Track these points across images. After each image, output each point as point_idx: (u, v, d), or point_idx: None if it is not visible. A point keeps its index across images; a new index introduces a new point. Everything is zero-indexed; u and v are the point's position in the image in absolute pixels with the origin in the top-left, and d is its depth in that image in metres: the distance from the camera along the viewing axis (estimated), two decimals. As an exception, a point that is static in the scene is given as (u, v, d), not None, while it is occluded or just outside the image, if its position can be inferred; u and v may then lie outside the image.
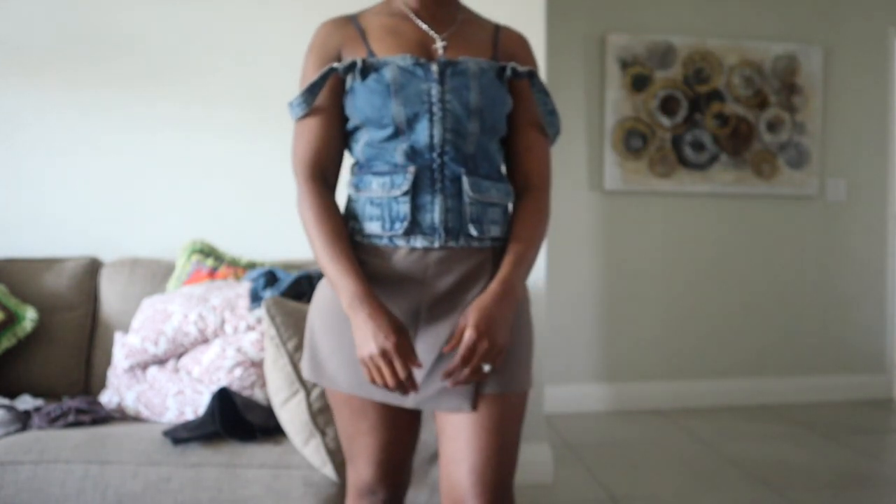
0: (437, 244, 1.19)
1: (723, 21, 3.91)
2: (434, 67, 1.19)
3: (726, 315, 3.93)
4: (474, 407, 1.18)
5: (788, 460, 2.96)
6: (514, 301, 1.18)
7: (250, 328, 1.95)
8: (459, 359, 1.12)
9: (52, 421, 1.83)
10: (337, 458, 1.66)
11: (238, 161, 2.60)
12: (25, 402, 1.96)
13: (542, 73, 2.67)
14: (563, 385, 3.74)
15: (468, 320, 1.14)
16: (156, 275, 2.34)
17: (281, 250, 2.51)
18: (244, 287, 2.04)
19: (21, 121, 2.52)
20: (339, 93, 1.24)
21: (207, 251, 2.31)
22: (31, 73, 2.53)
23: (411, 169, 1.19)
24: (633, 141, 3.80)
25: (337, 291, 1.17)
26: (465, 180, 1.20)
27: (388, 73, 1.18)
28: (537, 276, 2.67)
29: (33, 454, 1.68)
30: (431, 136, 1.19)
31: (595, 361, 3.83)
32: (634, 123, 3.80)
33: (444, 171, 1.20)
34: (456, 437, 1.19)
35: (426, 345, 1.20)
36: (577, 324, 3.80)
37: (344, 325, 1.21)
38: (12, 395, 2.13)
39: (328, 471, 1.66)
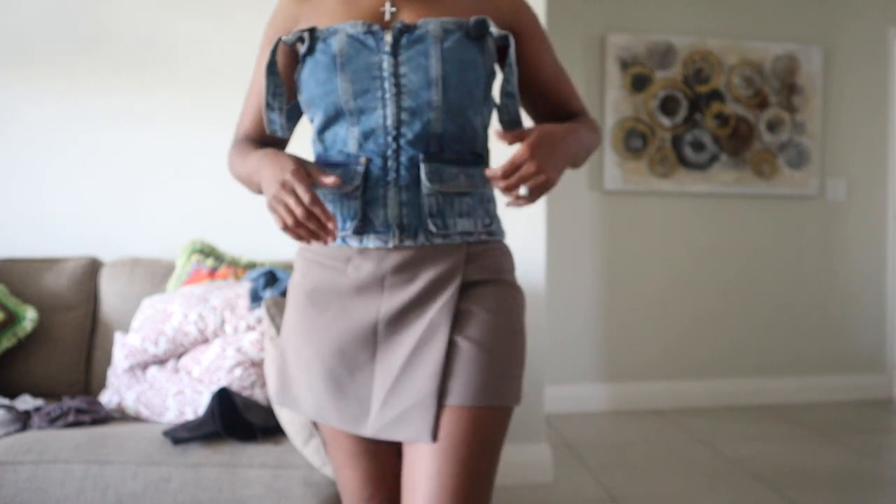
0: (390, 244, 1.04)
1: (723, 21, 3.91)
2: (387, 37, 1.03)
3: (726, 315, 3.93)
4: (434, 437, 1.00)
5: (788, 460, 2.96)
6: (574, 143, 1.07)
7: (250, 328, 1.95)
8: (500, 170, 0.98)
9: (52, 421, 1.83)
10: (337, 458, 1.66)
11: (238, 161, 2.60)
12: (25, 402, 1.96)
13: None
14: (563, 385, 3.74)
15: (527, 137, 1.02)
16: (156, 275, 2.34)
17: (281, 250, 2.51)
18: (244, 287, 2.04)
19: (21, 121, 2.52)
20: (293, 67, 1.13)
21: (207, 251, 2.31)
22: (32, 74, 2.53)
23: (362, 159, 1.05)
24: (633, 141, 3.80)
25: (257, 178, 1.05)
26: (422, 168, 1.04)
27: (335, 43, 1.04)
28: (537, 276, 2.67)
29: (33, 454, 1.68)
30: (384, 118, 1.03)
31: (595, 361, 3.82)
32: (634, 123, 3.80)
33: (400, 158, 1.04)
34: (414, 461, 1.02)
35: (385, 366, 1.05)
36: (577, 324, 3.80)
37: (308, 347, 1.09)
38: (12, 395, 2.13)
39: (328, 471, 1.66)
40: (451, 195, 1.06)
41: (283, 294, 1.96)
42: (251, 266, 2.28)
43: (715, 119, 3.87)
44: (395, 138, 1.03)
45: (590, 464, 2.91)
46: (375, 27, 1.04)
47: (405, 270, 1.05)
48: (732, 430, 3.40)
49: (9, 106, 2.52)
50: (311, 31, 1.06)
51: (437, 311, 1.03)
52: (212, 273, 2.23)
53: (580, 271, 3.81)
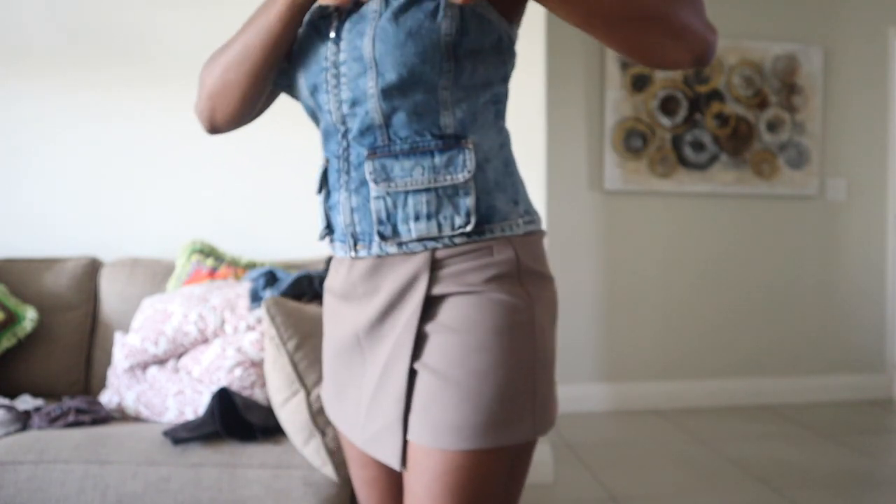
0: (349, 253, 0.94)
1: (723, 21, 3.91)
2: (335, 21, 0.90)
3: (726, 315, 3.93)
4: (403, 463, 0.90)
5: (788, 460, 2.96)
6: None
7: (250, 328, 1.95)
8: None
9: (52, 421, 1.83)
10: (337, 457, 1.66)
11: (238, 161, 2.60)
12: (25, 402, 1.96)
13: (542, 73, 2.65)
14: (563, 385, 3.74)
15: None
16: (156, 275, 2.34)
17: (281, 250, 2.51)
18: (244, 287, 2.04)
19: (21, 121, 2.52)
20: None
21: (207, 251, 2.31)
22: (31, 74, 2.53)
23: (322, 161, 0.96)
24: (633, 141, 3.80)
25: (269, 14, 0.92)
26: (366, 166, 0.90)
27: (301, 32, 0.94)
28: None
29: (33, 454, 1.68)
30: (331, 113, 0.92)
31: (595, 361, 3.83)
32: (634, 123, 3.80)
33: (350, 158, 0.92)
34: (405, 489, 0.92)
35: (370, 376, 0.96)
36: (577, 324, 3.80)
37: (325, 341, 1.06)
38: (12, 395, 2.13)
39: (328, 471, 1.66)
40: (403, 194, 0.89)
41: (284, 294, 1.96)
42: (251, 266, 2.28)
43: (715, 119, 3.88)
44: (344, 135, 0.91)
45: (590, 464, 2.91)
46: (331, 8, 0.91)
47: (369, 281, 0.94)
48: (732, 430, 3.40)
49: (8, 105, 2.52)
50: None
51: (401, 331, 0.90)
52: (212, 273, 2.23)
53: (580, 271, 3.81)
